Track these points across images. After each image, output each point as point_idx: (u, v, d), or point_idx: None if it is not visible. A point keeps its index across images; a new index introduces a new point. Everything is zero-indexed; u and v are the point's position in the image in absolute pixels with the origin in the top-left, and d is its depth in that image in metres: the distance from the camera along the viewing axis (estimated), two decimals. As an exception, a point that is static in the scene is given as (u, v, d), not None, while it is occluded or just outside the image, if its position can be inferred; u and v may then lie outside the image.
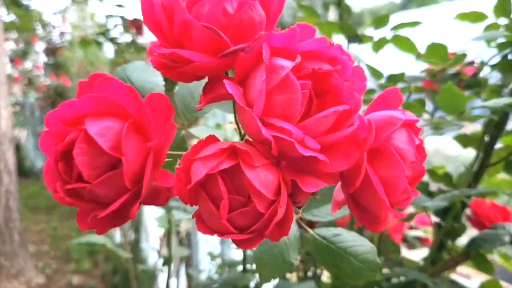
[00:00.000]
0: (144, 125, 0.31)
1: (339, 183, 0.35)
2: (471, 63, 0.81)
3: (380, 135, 0.31)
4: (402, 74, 0.80)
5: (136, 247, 2.02)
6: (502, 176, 0.92)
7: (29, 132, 5.20)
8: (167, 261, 0.95)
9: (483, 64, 0.80)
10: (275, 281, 0.65)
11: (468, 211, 0.87)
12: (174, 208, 0.60)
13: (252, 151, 0.28)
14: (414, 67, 0.90)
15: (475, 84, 0.80)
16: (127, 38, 2.02)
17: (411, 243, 1.16)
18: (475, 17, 0.84)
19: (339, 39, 0.95)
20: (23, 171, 4.12)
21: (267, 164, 0.28)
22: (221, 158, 0.28)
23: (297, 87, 0.28)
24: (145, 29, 1.95)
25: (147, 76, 0.45)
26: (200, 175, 0.27)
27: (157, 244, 1.81)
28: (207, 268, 1.47)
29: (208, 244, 1.73)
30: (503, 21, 0.79)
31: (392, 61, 0.97)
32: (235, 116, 0.36)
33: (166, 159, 0.32)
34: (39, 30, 4.21)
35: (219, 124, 0.69)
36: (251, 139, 0.30)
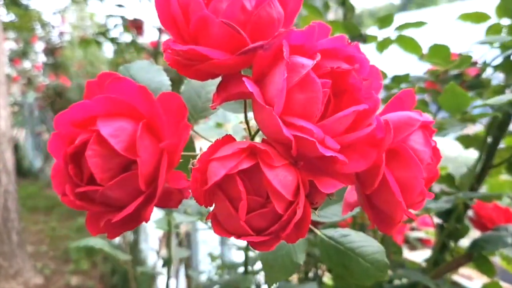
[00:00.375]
0: (157, 126, 0.30)
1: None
2: (474, 63, 0.81)
3: (398, 135, 0.31)
4: (407, 75, 0.80)
5: (135, 248, 2.01)
6: (505, 177, 0.92)
7: (28, 132, 5.18)
8: (166, 263, 0.94)
9: (486, 65, 0.80)
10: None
11: (470, 212, 0.86)
12: (175, 210, 0.59)
13: (271, 151, 0.28)
14: (415, 67, 0.90)
15: (477, 85, 0.80)
16: (127, 38, 2.01)
17: (413, 244, 1.16)
18: (478, 17, 0.84)
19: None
20: (22, 171, 4.11)
21: (286, 165, 0.28)
22: (240, 158, 0.27)
23: (318, 86, 0.27)
24: (145, 29, 1.94)
25: (152, 76, 0.44)
26: (219, 175, 0.27)
27: (156, 245, 1.80)
28: (207, 269, 1.47)
29: (208, 245, 1.72)
30: (505, 21, 0.78)
31: (392, 61, 0.97)
32: (245, 116, 0.36)
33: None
34: (39, 30, 4.20)
35: (220, 123, 0.68)
36: (263, 139, 0.30)
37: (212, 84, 0.45)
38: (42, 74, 4.62)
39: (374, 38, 0.87)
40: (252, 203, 0.28)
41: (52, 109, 4.06)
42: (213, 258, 1.38)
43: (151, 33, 2.03)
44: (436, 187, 0.89)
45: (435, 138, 0.70)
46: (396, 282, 0.85)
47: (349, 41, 0.30)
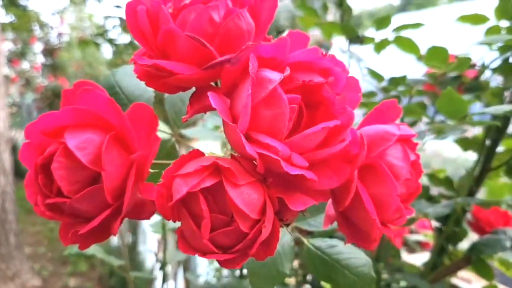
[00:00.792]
0: (126, 137, 0.29)
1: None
2: (473, 66, 0.81)
3: (373, 151, 0.30)
4: (404, 77, 0.79)
5: (134, 250, 2.01)
6: (505, 179, 0.92)
7: (26, 133, 5.17)
8: (162, 266, 0.94)
9: (484, 67, 0.80)
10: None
11: (469, 215, 0.86)
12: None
13: (235, 168, 0.27)
14: (415, 67, 0.90)
15: (476, 87, 0.79)
16: (125, 39, 2.01)
17: (412, 247, 1.15)
18: (477, 19, 0.84)
19: (340, 39, 0.94)
20: (20, 172, 4.09)
21: (251, 182, 0.27)
22: (203, 176, 0.26)
23: (284, 102, 0.26)
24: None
25: (137, 82, 0.43)
26: (181, 192, 0.26)
27: (154, 246, 1.79)
28: (205, 271, 1.46)
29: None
30: (504, 23, 0.78)
31: (393, 61, 0.96)
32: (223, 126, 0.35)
33: (156, 170, 0.31)
34: (37, 31, 4.20)
35: (218, 126, 0.67)
36: (232, 154, 0.29)
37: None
38: (41, 75, 4.62)
39: (371, 39, 0.87)
40: (217, 221, 0.27)
41: (51, 110, 4.05)
42: (211, 260, 1.38)
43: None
44: (435, 190, 0.89)
45: (434, 141, 0.70)
46: (394, 286, 0.84)
47: (325, 52, 0.29)
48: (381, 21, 0.86)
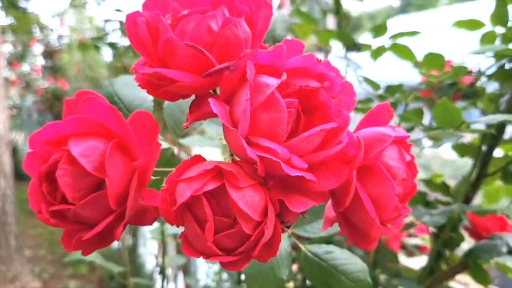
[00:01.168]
0: (128, 145, 0.30)
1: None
2: (469, 72, 0.81)
3: (370, 152, 0.31)
4: (400, 85, 0.80)
5: (134, 252, 2.01)
6: (500, 183, 0.92)
7: (26, 135, 5.18)
8: (161, 271, 0.94)
9: (480, 73, 0.80)
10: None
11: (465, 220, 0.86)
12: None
13: (237, 171, 0.28)
14: (412, 70, 0.90)
15: (472, 94, 0.80)
16: (125, 41, 2.01)
17: (410, 251, 1.16)
18: (472, 25, 0.84)
19: (338, 45, 0.95)
20: (20, 175, 4.10)
21: (253, 185, 0.28)
22: (205, 179, 0.27)
23: (282, 106, 0.27)
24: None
25: (135, 91, 0.44)
26: (184, 196, 0.26)
27: (155, 249, 1.80)
28: (205, 273, 1.47)
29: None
30: (500, 29, 0.78)
31: (391, 63, 0.97)
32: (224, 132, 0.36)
33: (157, 177, 0.32)
34: (37, 33, 4.21)
35: (214, 135, 0.68)
36: (233, 158, 0.30)
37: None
38: (41, 77, 4.62)
39: (368, 46, 0.87)
40: (220, 224, 0.27)
41: (51, 112, 4.06)
42: (210, 264, 1.38)
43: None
44: (431, 195, 0.89)
45: (429, 148, 0.70)
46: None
47: (320, 59, 0.30)
48: (378, 29, 0.87)
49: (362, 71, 0.83)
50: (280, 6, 1.34)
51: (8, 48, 4.43)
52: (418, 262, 1.14)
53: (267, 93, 0.27)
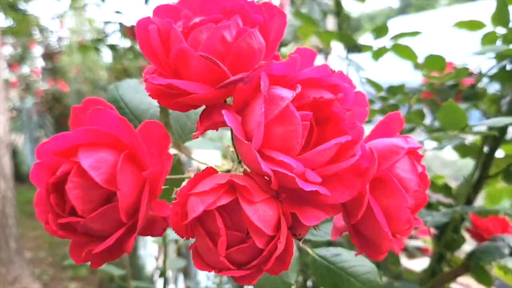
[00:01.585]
0: (139, 155, 0.30)
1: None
2: (470, 74, 0.81)
3: (383, 164, 0.30)
4: (402, 86, 0.80)
5: (134, 254, 2.01)
6: (503, 184, 0.92)
7: (26, 137, 5.18)
8: (162, 274, 0.94)
9: (481, 75, 0.80)
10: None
11: (467, 222, 0.86)
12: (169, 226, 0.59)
13: (251, 185, 0.27)
14: (414, 71, 0.90)
15: (473, 95, 0.80)
16: (125, 43, 2.01)
17: (412, 253, 1.16)
18: (473, 25, 0.84)
19: (339, 45, 0.94)
20: (20, 177, 4.09)
21: (266, 199, 0.27)
22: (219, 194, 0.27)
23: (297, 119, 0.27)
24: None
25: (141, 96, 0.43)
26: (197, 211, 0.26)
27: (155, 250, 1.79)
28: (205, 275, 1.46)
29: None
30: (500, 30, 0.78)
31: (392, 63, 0.96)
32: (232, 140, 0.35)
33: (165, 186, 0.31)
34: (37, 35, 4.21)
35: (213, 139, 0.68)
36: (245, 171, 0.30)
37: (202, 105, 0.44)
38: (41, 79, 4.62)
39: (369, 47, 0.87)
40: (232, 238, 0.27)
41: (51, 114, 4.06)
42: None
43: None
44: (433, 197, 0.89)
45: (432, 150, 0.70)
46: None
47: (334, 69, 0.30)
48: (379, 30, 0.87)
49: (364, 72, 0.83)
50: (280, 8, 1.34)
51: (8, 50, 4.43)
52: (419, 264, 1.13)
53: (282, 106, 0.27)
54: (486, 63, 0.79)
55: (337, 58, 0.91)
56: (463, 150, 0.87)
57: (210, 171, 0.29)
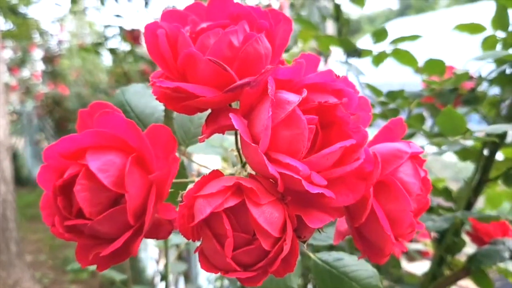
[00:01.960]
0: (146, 158, 0.30)
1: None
2: (470, 78, 0.81)
3: (386, 168, 0.31)
4: (402, 91, 0.80)
5: (135, 257, 2.01)
6: (503, 187, 0.92)
7: (26, 140, 5.18)
8: (163, 278, 0.94)
9: (481, 79, 0.80)
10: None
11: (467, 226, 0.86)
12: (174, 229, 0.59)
13: (257, 187, 0.28)
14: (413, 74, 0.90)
15: (473, 99, 0.80)
16: (125, 47, 2.02)
17: (412, 256, 1.16)
18: (473, 28, 0.84)
19: (337, 51, 0.95)
20: (21, 180, 4.10)
21: (272, 201, 0.28)
22: (226, 196, 0.27)
23: (303, 123, 0.27)
24: (142, 39, 1.95)
25: (147, 100, 0.44)
26: (204, 213, 0.26)
27: (155, 253, 1.80)
28: (206, 279, 1.46)
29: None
30: (500, 34, 0.79)
31: (392, 66, 0.97)
32: (236, 143, 0.36)
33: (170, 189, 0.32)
34: (37, 38, 4.21)
35: (213, 145, 0.67)
36: (250, 174, 0.30)
37: (205, 110, 0.45)
38: (41, 83, 4.62)
39: (369, 52, 0.87)
40: (239, 239, 0.28)
41: (51, 117, 4.06)
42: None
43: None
44: (433, 201, 0.89)
45: (433, 148, 0.70)
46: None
47: (338, 74, 0.30)
48: (379, 34, 0.87)
49: (364, 77, 0.83)
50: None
51: (8, 54, 4.43)
52: (420, 267, 1.13)
53: (288, 110, 0.27)
54: (486, 67, 0.79)
55: (336, 62, 0.91)
56: (463, 153, 0.87)
57: (216, 174, 0.30)
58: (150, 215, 0.28)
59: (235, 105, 0.33)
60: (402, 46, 0.86)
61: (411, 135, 0.81)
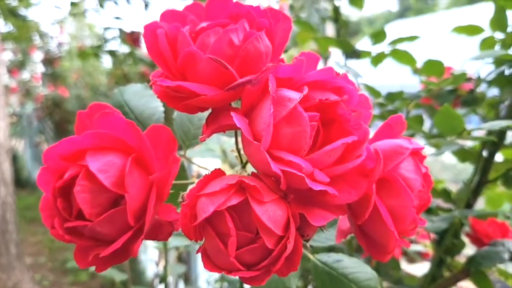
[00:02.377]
0: (146, 159, 0.30)
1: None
2: (468, 79, 0.81)
3: (388, 165, 0.31)
4: (400, 92, 0.80)
5: (134, 259, 2.01)
6: (502, 188, 0.92)
7: (26, 142, 5.18)
8: (162, 280, 0.94)
9: (480, 80, 0.80)
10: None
11: (467, 227, 0.86)
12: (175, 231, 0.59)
13: (260, 185, 0.27)
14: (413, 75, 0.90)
15: (472, 100, 0.80)
16: (125, 49, 2.02)
17: (412, 257, 1.16)
18: (472, 30, 0.84)
19: (336, 52, 0.95)
20: (20, 182, 4.10)
21: (276, 199, 0.28)
22: (229, 194, 0.27)
23: (305, 120, 0.27)
24: (142, 41, 1.95)
25: (146, 101, 0.44)
26: (208, 212, 0.26)
27: (155, 255, 1.79)
28: (206, 281, 1.46)
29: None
30: (499, 35, 0.79)
31: (391, 67, 0.97)
32: (236, 144, 0.36)
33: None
34: (37, 41, 4.21)
35: (211, 148, 0.67)
36: (252, 172, 0.30)
37: (205, 111, 0.45)
38: (41, 85, 4.62)
39: (368, 53, 0.87)
40: (242, 238, 0.27)
41: (51, 119, 4.06)
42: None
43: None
44: (433, 202, 0.89)
45: (432, 149, 0.70)
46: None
47: (338, 72, 0.30)
48: (377, 35, 0.87)
49: (362, 78, 0.83)
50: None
51: (8, 56, 4.43)
52: (419, 269, 1.13)
53: (290, 107, 0.27)
54: (485, 68, 0.79)
55: (335, 64, 0.91)
56: (462, 154, 0.87)
57: (218, 173, 0.29)
58: (151, 216, 0.28)
59: (235, 104, 0.33)
60: (401, 47, 0.86)
61: (410, 136, 0.81)
